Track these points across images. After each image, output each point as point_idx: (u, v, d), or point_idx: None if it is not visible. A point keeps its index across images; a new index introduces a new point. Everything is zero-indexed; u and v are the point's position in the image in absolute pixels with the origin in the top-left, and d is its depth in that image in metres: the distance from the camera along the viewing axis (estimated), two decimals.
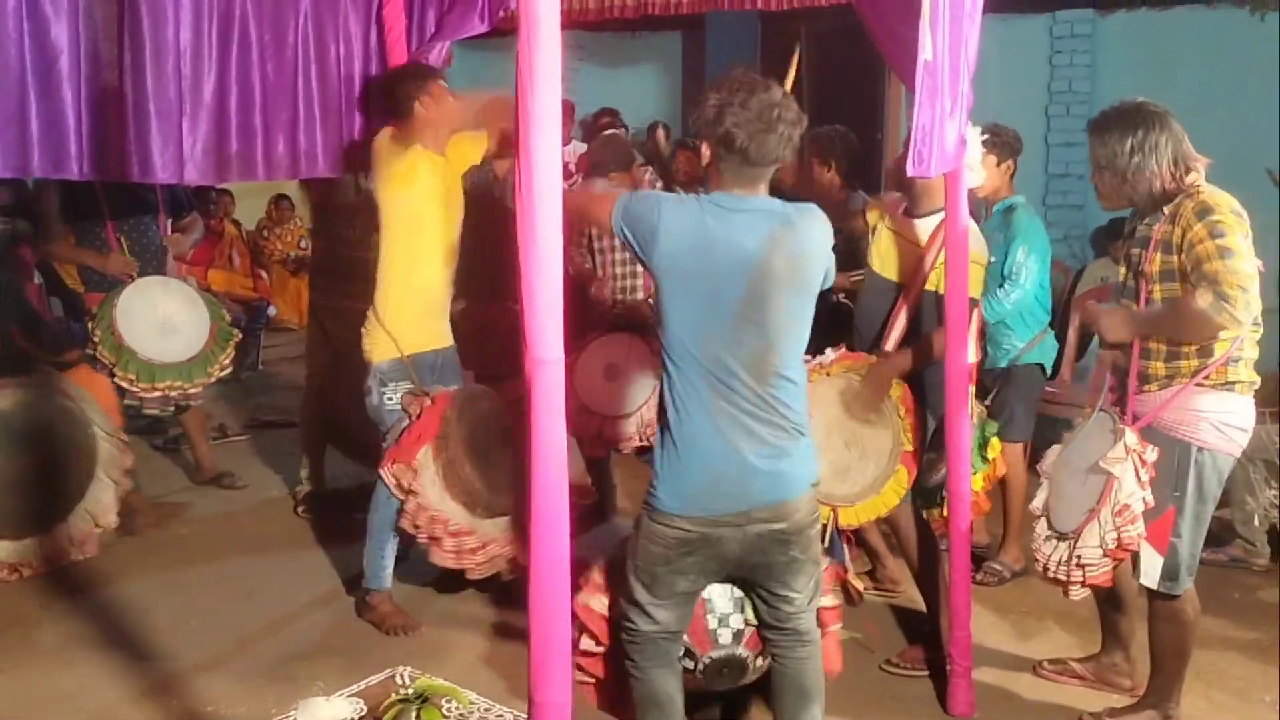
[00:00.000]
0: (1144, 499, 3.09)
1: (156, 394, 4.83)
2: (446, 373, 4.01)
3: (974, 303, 3.50)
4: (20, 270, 5.03)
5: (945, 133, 3.02)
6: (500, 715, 3.40)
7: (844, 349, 3.71)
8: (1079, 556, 3.17)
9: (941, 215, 3.47)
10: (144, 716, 3.40)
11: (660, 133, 7.83)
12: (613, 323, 4.81)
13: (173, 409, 5.10)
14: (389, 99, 3.96)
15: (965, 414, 3.36)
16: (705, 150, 2.65)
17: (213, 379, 5.06)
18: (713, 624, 2.90)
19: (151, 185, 4.89)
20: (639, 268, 4.82)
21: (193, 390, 4.97)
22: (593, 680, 3.12)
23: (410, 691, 3.19)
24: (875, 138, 8.78)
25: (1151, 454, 3.10)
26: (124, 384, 4.74)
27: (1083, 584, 3.22)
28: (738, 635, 2.91)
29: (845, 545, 3.97)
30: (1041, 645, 3.95)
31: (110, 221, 4.97)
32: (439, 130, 3.89)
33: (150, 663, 3.70)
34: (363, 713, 3.33)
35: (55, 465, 4.32)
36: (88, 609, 4.13)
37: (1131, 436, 3.12)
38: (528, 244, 1.96)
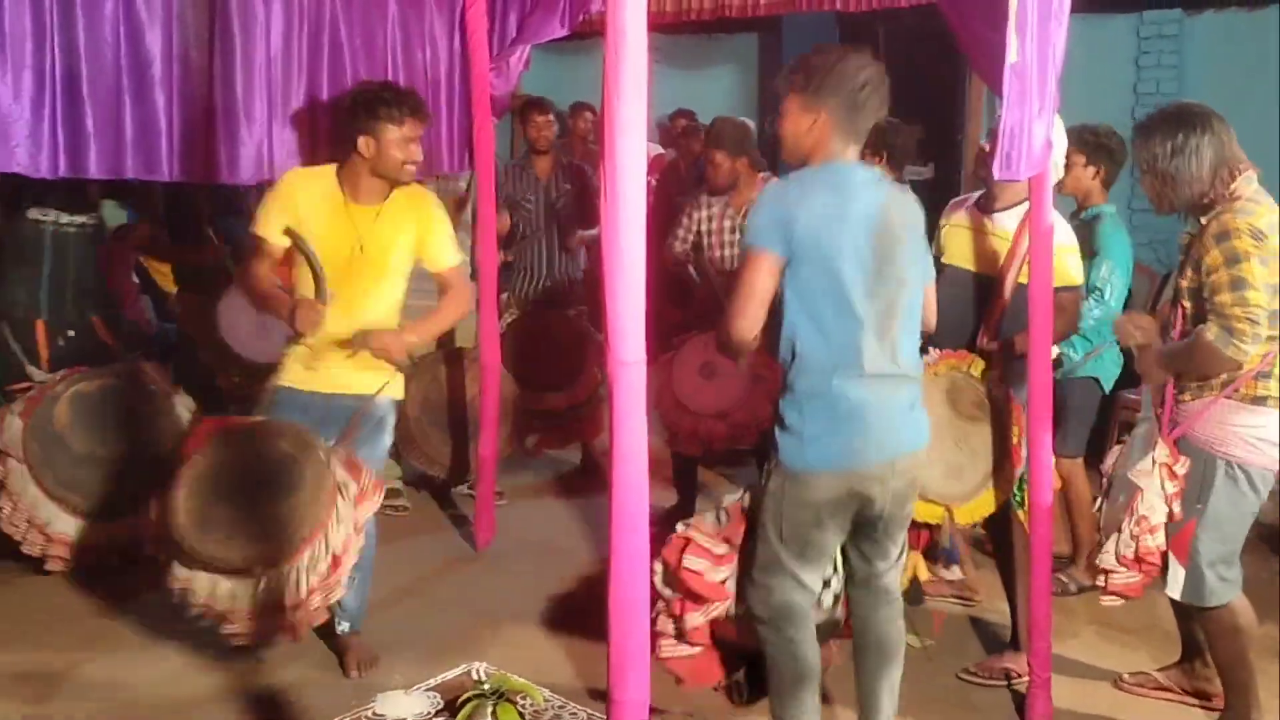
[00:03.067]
0: (1166, 511, 3.10)
1: None
2: (329, 425, 3.46)
3: (1076, 289, 3.59)
4: (115, 265, 5.15)
5: (1033, 135, 2.99)
6: (574, 713, 3.43)
7: (933, 348, 3.68)
8: (1101, 563, 3.23)
9: (1024, 208, 3.47)
10: (230, 706, 3.48)
11: None
12: (711, 320, 4.80)
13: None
14: (337, 118, 3.56)
15: (1049, 418, 3.32)
16: (820, 116, 2.70)
17: None
18: (816, 587, 2.93)
19: (249, 187, 4.99)
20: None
21: None
22: (703, 648, 3.18)
23: (486, 687, 3.24)
24: (956, 139, 8.67)
25: (1181, 466, 3.09)
26: (225, 385, 4.84)
27: (1105, 591, 3.26)
28: (836, 599, 3.00)
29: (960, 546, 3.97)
30: (1119, 658, 3.88)
31: (209, 220, 5.08)
32: (374, 180, 3.46)
33: (235, 652, 3.79)
34: (439, 706, 3.39)
35: (142, 450, 4.38)
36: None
37: (1162, 450, 3.11)
38: (611, 247, 1.97)
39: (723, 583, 3.07)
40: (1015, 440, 3.53)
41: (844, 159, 2.74)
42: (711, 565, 3.06)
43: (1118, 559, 3.19)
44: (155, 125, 3.57)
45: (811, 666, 2.85)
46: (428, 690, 3.51)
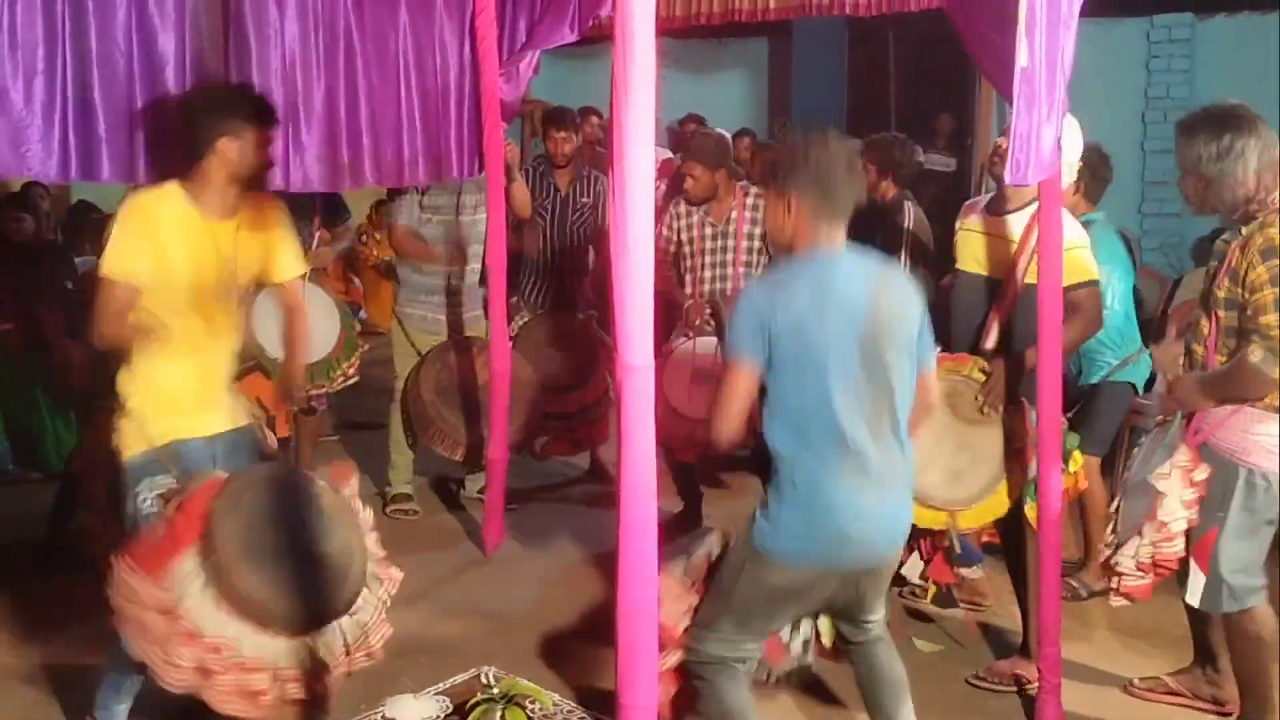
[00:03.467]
0: (1187, 518, 3.08)
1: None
2: (232, 460, 3.16)
3: (1094, 284, 3.56)
4: None
5: (1043, 139, 2.99)
6: (582, 718, 3.43)
7: (940, 350, 3.67)
8: (1116, 564, 3.20)
9: (1033, 209, 3.45)
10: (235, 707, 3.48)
11: (745, 140, 7.84)
12: (698, 327, 4.82)
13: (296, 409, 5.21)
14: (185, 126, 3.16)
15: (1058, 420, 3.32)
16: (792, 204, 2.66)
17: (336, 385, 5.14)
18: (785, 636, 2.92)
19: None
20: (728, 270, 4.83)
21: (314, 392, 5.06)
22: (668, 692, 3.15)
23: (495, 691, 3.25)
24: (965, 143, 8.67)
25: (1201, 473, 3.07)
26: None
27: (1116, 592, 3.24)
28: (806, 645, 2.97)
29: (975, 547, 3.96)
30: (1130, 664, 3.86)
31: None
32: (230, 187, 3.11)
33: None
34: (449, 710, 3.39)
35: None
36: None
37: (1183, 454, 3.09)
38: (620, 252, 1.98)
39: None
40: (1022, 444, 3.52)
41: (828, 244, 2.69)
42: (680, 615, 3.02)
43: (1135, 564, 3.17)
44: (169, 130, 3.57)
45: (736, 708, 2.84)
46: (437, 694, 3.51)
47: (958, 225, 3.86)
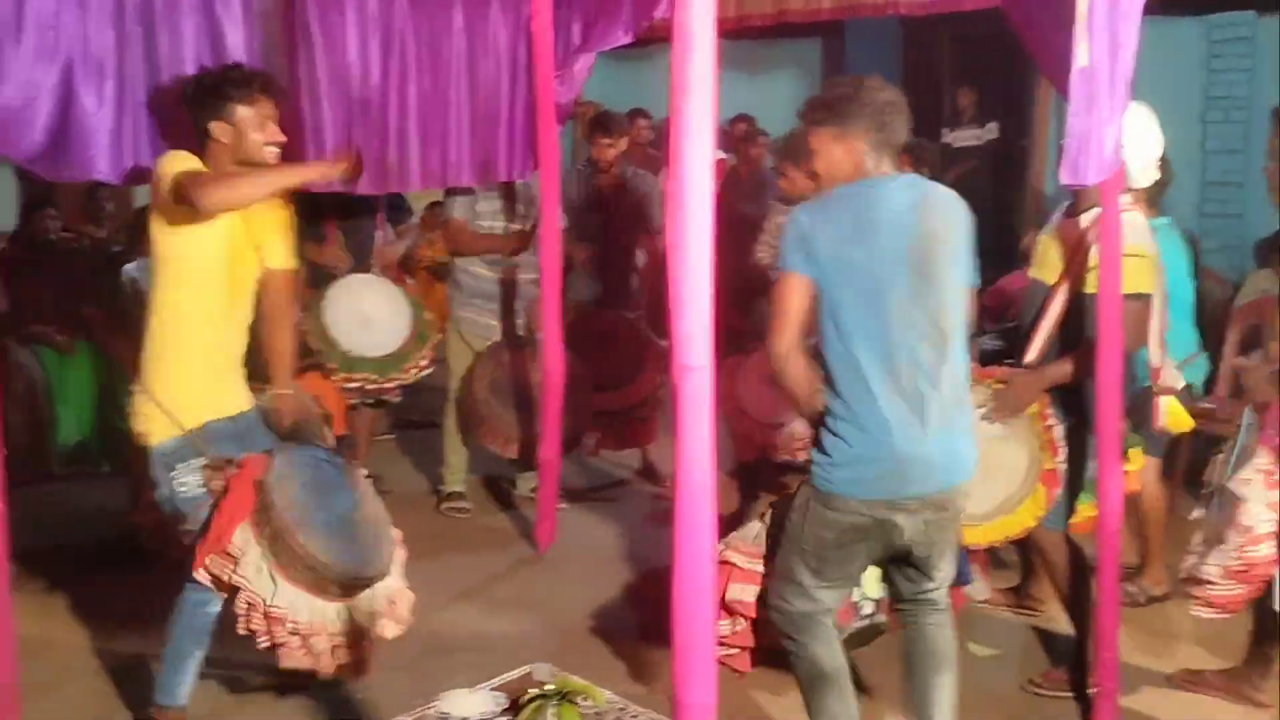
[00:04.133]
0: (1272, 521, 3.01)
1: (354, 384, 5.00)
2: (253, 441, 3.25)
3: (1143, 298, 3.36)
4: None
5: (1103, 140, 2.96)
6: (635, 715, 3.44)
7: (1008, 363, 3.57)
8: (1202, 574, 3.15)
9: (1096, 212, 3.35)
10: (296, 701, 3.55)
11: (742, 126, 7.92)
12: None
13: (371, 401, 5.28)
14: (187, 111, 3.19)
15: (1118, 425, 3.27)
16: (849, 140, 2.72)
17: (407, 377, 5.20)
18: (856, 595, 2.93)
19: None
20: None
21: (387, 385, 5.12)
22: (742, 649, 3.20)
23: (549, 688, 3.26)
24: (1021, 144, 8.58)
25: None
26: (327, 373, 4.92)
27: (1202, 602, 3.18)
28: (877, 604, 2.99)
29: (973, 565, 3.87)
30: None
31: (332, 219, 5.17)
32: (231, 166, 3.10)
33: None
34: (503, 706, 3.41)
35: None
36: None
37: (1263, 458, 3.02)
38: (678, 252, 1.99)
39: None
40: (1051, 465, 3.39)
41: (879, 171, 2.75)
42: (756, 589, 3.04)
43: (1223, 571, 3.10)
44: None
45: (828, 669, 2.84)
46: (491, 689, 3.53)
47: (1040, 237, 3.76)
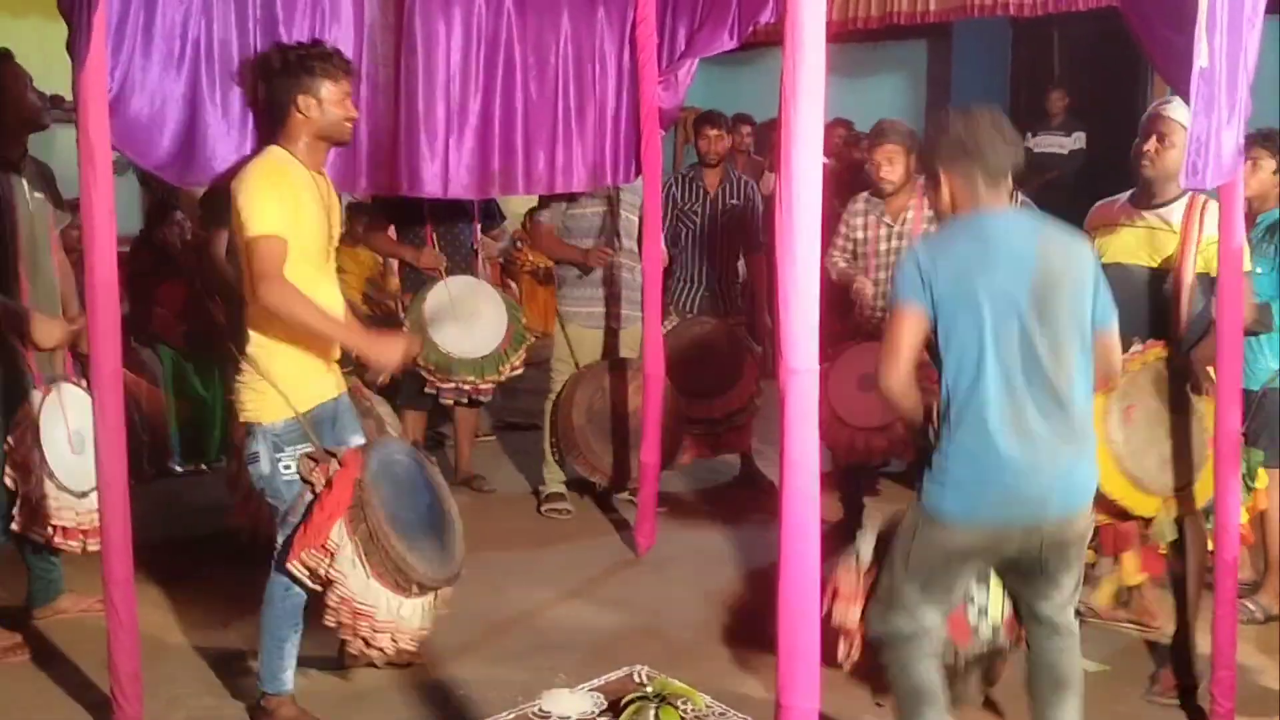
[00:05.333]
0: None
1: (450, 385, 5.10)
2: (345, 424, 3.35)
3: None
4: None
5: (1222, 142, 2.88)
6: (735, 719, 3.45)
7: (1136, 339, 3.53)
8: None
9: (1186, 199, 3.43)
10: (400, 698, 3.62)
11: (747, 127, 7.86)
12: (870, 331, 4.74)
13: (466, 401, 5.38)
14: (265, 89, 3.26)
15: (1238, 429, 3.18)
16: (948, 177, 2.72)
17: (503, 378, 5.29)
18: (973, 617, 2.89)
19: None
20: None
21: (483, 386, 5.21)
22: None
23: (649, 690, 3.29)
24: (1095, 115, 8.34)
25: None
26: (424, 373, 5.02)
27: None
28: (996, 629, 2.91)
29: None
30: None
31: (430, 224, 5.29)
32: (317, 143, 3.19)
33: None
34: (603, 707, 3.45)
35: None
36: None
37: None
38: (786, 256, 2.00)
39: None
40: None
41: (989, 205, 2.71)
42: (858, 610, 3.01)
43: None
44: (351, 140, 3.72)
45: (925, 688, 2.81)
46: (591, 690, 3.57)
47: (1091, 227, 3.75)
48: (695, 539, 5.09)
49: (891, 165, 4.75)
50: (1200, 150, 2.85)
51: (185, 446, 5.78)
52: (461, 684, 3.68)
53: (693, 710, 3.40)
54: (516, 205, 9.16)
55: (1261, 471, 3.66)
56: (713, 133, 5.65)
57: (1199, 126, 2.82)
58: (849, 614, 2.99)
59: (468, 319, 5.16)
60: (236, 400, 3.25)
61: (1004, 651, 3.01)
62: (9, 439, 3.61)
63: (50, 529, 3.61)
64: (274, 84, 3.18)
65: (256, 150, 3.31)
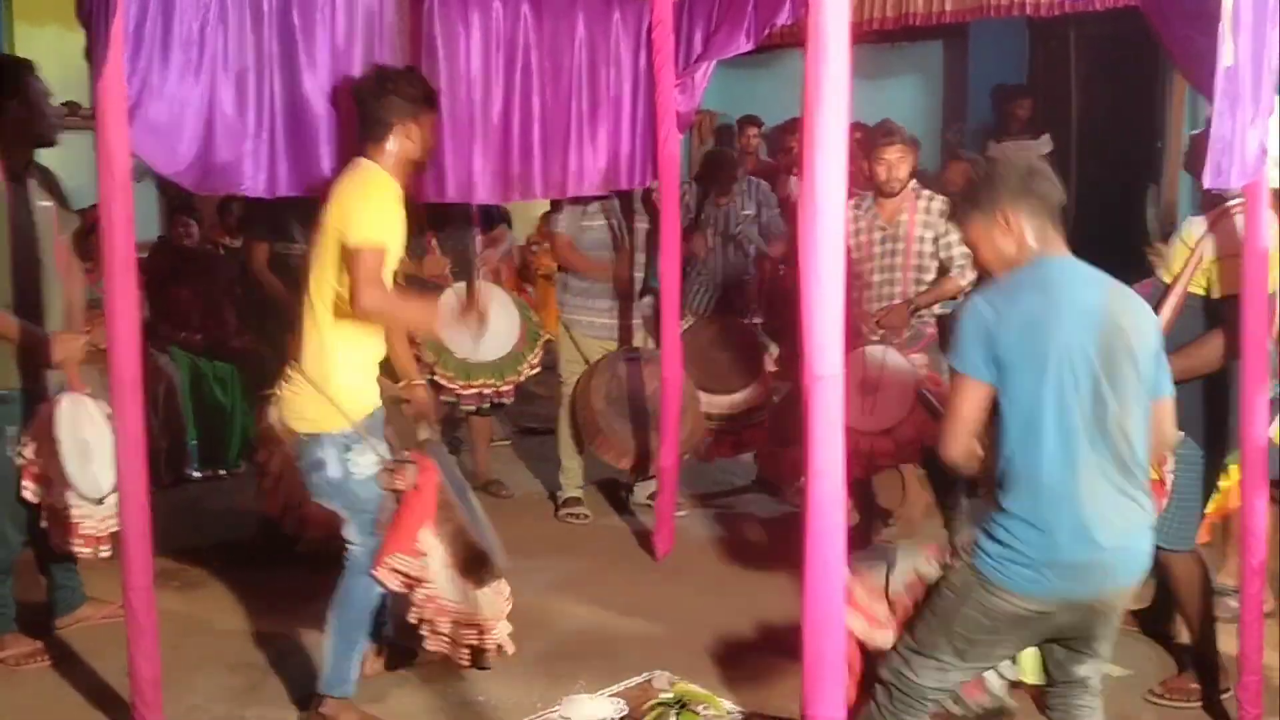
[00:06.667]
0: None
1: (472, 391, 5.09)
2: (378, 434, 3.39)
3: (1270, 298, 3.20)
4: None
5: (1247, 142, 2.85)
6: None
7: None
8: None
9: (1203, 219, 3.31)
10: (421, 700, 3.62)
11: (752, 129, 7.84)
12: (866, 335, 4.72)
13: (488, 405, 5.37)
14: (362, 108, 3.29)
15: (1264, 436, 3.14)
16: (1008, 219, 2.53)
17: (523, 378, 5.28)
18: (989, 673, 2.80)
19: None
20: (895, 275, 4.74)
21: (504, 388, 5.20)
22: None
23: (669, 695, 3.28)
24: (1155, 145, 8.29)
25: None
26: (443, 381, 5.00)
27: None
28: (1009, 686, 2.82)
29: None
30: None
31: (431, 231, 5.27)
32: (407, 164, 3.30)
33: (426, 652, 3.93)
34: (624, 713, 3.43)
35: None
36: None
37: None
38: (810, 260, 1.99)
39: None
40: (1156, 474, 3.19)
41: (1052, 252, 2.55)
42: (867, 626, 2.92)
43: None
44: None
45: None
46: (611, 696, 3.56)
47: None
48: (713, 544, 5.08)
49: (902, 165, 4.72)
50: (1224, 150, 2.83)
51: (203, 452, 5.81)
52: (481, 690, 3.67)
53: (714, 716, 3.39)
54: (527, 208, 9.17)
55: (1233, 469, 3.52)
56: (752, 131, 5.66)
57: (1224, 126, 2.79)
58: (853, 621, 2.93)
59: (479, 323, 5.17)
60: (290, 410, 3.28)
61: (1012, 713, 2.92)
62: (27, 452, 3.62)
63: (80, 539, 3.60)
64: (376, 104, 3.22)
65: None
